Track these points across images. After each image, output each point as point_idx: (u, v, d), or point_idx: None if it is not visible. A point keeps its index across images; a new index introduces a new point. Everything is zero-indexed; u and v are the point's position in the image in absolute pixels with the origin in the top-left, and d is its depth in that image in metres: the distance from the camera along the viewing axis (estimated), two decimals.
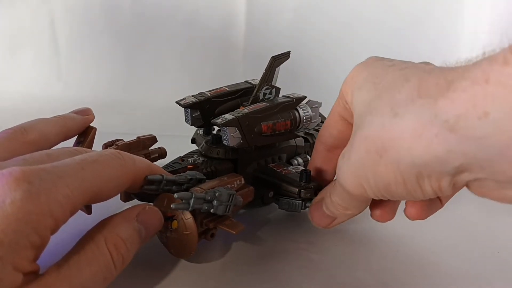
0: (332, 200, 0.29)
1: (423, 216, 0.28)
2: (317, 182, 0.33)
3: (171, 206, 0.26)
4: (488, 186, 0.21)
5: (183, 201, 0.26)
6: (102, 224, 0.24)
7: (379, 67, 0.25)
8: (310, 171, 0.33)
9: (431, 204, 0.28)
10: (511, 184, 0.20)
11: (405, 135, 0.21)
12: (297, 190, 0.32)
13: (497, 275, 0.32)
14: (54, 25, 0.76)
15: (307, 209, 0.33)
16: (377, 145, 0.22)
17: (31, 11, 0.76)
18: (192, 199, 0.26)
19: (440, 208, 0.29)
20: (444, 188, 0.22)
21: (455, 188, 0.22)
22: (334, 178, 0.32)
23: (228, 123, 0.31)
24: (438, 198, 0.28)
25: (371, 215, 0.30)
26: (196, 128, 0.40)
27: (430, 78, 0.21)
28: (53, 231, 0.21)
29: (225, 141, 0.32)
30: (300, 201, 0.33)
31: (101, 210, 0.28)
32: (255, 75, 0.39)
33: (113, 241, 0.23)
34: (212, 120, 0.32)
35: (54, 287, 0.21)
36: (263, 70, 0.35)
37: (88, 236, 0.23)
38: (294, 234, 0.36)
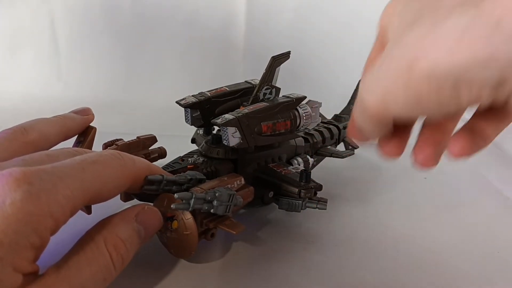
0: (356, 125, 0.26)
1: (468, 152, 0.25)
2: (317, 182, 0.33)
3: (172, 206, 0.26)
4: None
5: (183, 201, 0.26)
6: (102, 225, 0.24)
7: None
8: (310, 171, 0.33)
9: (477, 138, 0.25)
10: None
11: (446, 39, 0.19)
12: (297, 190, 0.32)
13: (497, 275, 0.32)
14: (54, 25, 0.76)
15: (307, 209, 0.33)
16: (415, 52, 0.20)
17: (31, 11, 0.75)
18: (193, 199, 0.26)
19: (485, 145, 0.26)
20: (483, 98, 0.20)
21: (495, 101, 0.20)
22: None
23: (228, 123, 0.31)
24: (483, 134, 0.25)
25: (378, 149, 0.27)
26: (196, 128, 0.40)
27: None
28: (53, 231, 0.21)
29: (225, 141, 0.32)
30: (300, 201, 0.33)
31: (101, 210, 0.28)
32: (255, 75, 0.39)
33: (113, 242, 0.23)
34: (212, 120, 0.32)
35: (53, 287, 0.21)
36: (263, 70, 0.35)
37: (88, 237, 0.23)
38: (294, 234, 0.36)
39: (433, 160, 0.26)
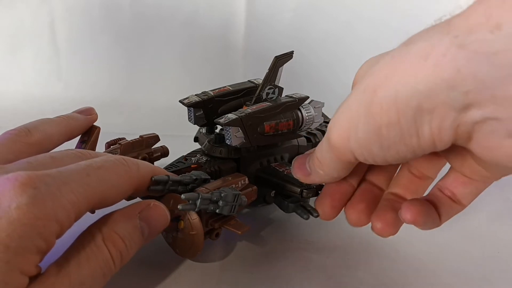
0: (313, 153, 0.27)
1: (419, 221, 0.26)
2: None
3: (178, 207, 0.26)
4: (498, 133, 0.18)
5: (190, 202, 0.27)
6: (102, 221, 0.24)
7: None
8: None
9: (429, 210, 0.27)
10: None
11: (411, 59, 0.19)
12: (299, 190, 0.32)
13: (497, 275, 0.32)
14: (54, 25, 0.76)
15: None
16: (379, 78, 0.20)
17: (31, 11, 0.75)
18: (199, 200, 0.27)
19: (438, 223, 0.27)
20: (445, 130, 0.19)
21: (458, 135, 0.19)
22: None
23: (231, 123, 0.32)
24: (437, 211, 0.27)
25: (371, 227, 0.28)
26: (198, 127, 0.41)
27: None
28: (58, 236, 0.21)
29: (228, 140, 0.32)
30: (292, 204, 0.32)
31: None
32: (255, 75, 0.39)
33: (111, 239, 0.23)
34: (215, 120, 0.33)
35: (55, 286, 0.21)
36: (263, 70, 0.35)
37: (87, 233, 0.23)
38: (294, 234, 0.36)
39: (392, 229, 0.27)
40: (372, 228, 0.28)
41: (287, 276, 0.31)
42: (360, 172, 0.30)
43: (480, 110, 0.18)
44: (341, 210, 0.29)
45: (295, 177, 0.29)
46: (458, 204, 0.27)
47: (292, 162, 0.29)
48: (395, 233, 0.28)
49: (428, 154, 0.26)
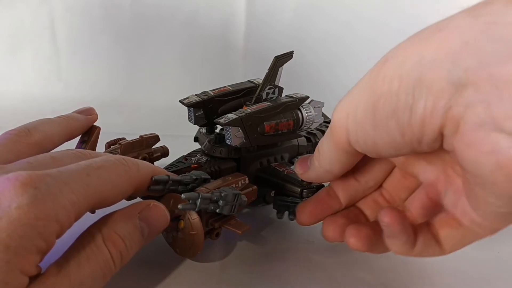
0: (316, 150, 0.27)
1: (362, 246, 0.26)
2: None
3: (178, 207, 0.26)
4: (484, 125, 0.17)
5: (190, 201, 0.27)
6: (102, 221, 0.24)
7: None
8: None
9: (375, 239, 0.26)
10: (508, 120, 0.17)
11: (427, 31, 0.19)
12: (299, 189, 0.32)
13: (497, 275, 0.32)
14: (54, 25, 0.76)
15: None
16: (393, 50, 0.20)
17: (31, 11, 0.75)
18: (199, 200, 0.27)
19: (384, 250, 0.26)
20: (437, 111, 0.19)
21: (447, 121, 0.19)
22: None
23: (231, 123, 0.32)
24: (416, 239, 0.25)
25: (346, 241, 0.27)
26: (198, 127, 0.41)
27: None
28: (58, 235, 0.21)
29: (228, 140, 0.32)
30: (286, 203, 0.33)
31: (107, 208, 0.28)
32: (255, 75, 0.40)
33: (111, 238, 0.23)
34: (216, 120, 0.33)
35: (55, 286, 0.21)
36: (263, 70, 0.35)
37: (87, 233, 0.23)
38: (294, 234, 0.36)
39: (366, 244, 0.26)
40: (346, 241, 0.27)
41: (287, 276, 0.31)
42: (352, 199, 0.30)
43: (474, 92, 0.17)
44: (319, 220, 0.29)
45: (295, 171, 0.29)
46: (438, 245, 0.25)
47: (297, 160, 0.30)
48: (366, 250, 0.27)
49: (405, 179, 0.28)
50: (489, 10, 0.17)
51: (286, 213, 0.34)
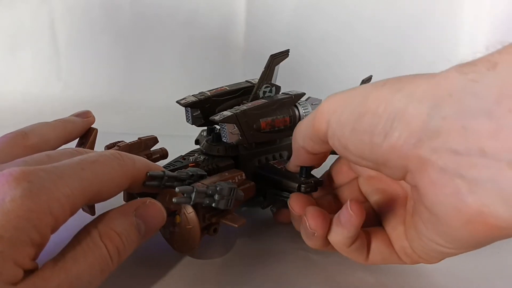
0: (296, 127, 0.29)
1: (318, 227, 0.27)
2: (317, 177, 0.33)
3: (173, 200, 0.26)
4: (449, 171, 0.19)
5: (185, 195, 0.26)
6: (99, 219, 0.24)
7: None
8: (310, 167, 0.33)
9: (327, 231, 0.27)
10: (471, 169, 0.18)
11: (424, 75, 0.21)
12: (297, 185, 0.32)
13: (497, 275, 0.32)
14: (54, 25, 0.76)
15: None
16: (395, 79, 0.22)
17: (31, 11, 0.76)
18: (194, 193, 0.26)
19: (325, 246, 0.28)
20: (407, 145, 0.20)
21: (414, 159, 0.20)
22: None
23: (227, 120, 0.32)
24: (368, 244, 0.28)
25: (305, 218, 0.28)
26: (200, 130, 0.41)
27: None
28: (53, 229, 0.21)
29: (224, 137, 0.32)
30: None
31: (104, 207, 0.28)
32: (255, 75, 0.39)
33: (107, 235, 0.23)
34: (211, 117, 0.33)
35: (51, 278, 0.21)
36: (263, 70, 0.35)
37: (84, 231, 0.23)
38: (294, 233, 0.36)
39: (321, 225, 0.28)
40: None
41: (286, 276, 0.31)
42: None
43: (445, 139, 0.19)
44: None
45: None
46: (365, 253, 0.27)
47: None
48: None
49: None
50: (474, 69, 0.19)
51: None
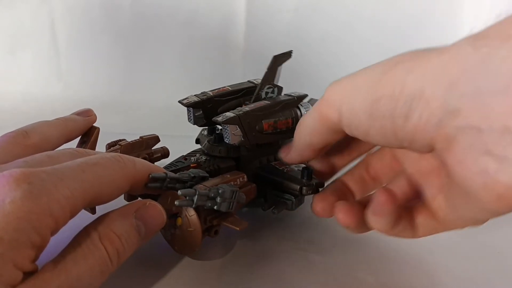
0: (297, 125, 0.29)
1: (351, 222, 0.27)
2: (318, 179, 0.33)
3: (175, 203, 0.26)
4: (475, 147, 0.18)
5: (187, 198, 0.26)
6: (99, 220, 0.24)
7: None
8: (312, 169, 0.33)
9: (362, 218, 0.27)
10: (497, 146, 0.18)
11: (436, 50, 0.20)
12: (299, 187, 0.32)
13: (497, 275, 0.32)
14: (54, 25, 0.76)
15: (307, 209, 0.33)
16: (406, 55, 0.21)
17: (31, 11, 0.76)
18: (196, 196, 0.26)
19: (365, 231, 0.28)
20: (430, 126, 0.20)
21: (439, 137, 0.20)
22: None
23: (229, 121, 0.31)
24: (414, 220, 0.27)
25: (312, 208, 0.29)
26: (200, 129, 0.41)
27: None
28: (53, 231, 0.21)
29: (226, 139, 0.32)
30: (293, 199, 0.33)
31: (104, 207, 0.28)
32: (255, 75, 0.39)
33: (107, 236, 0.23)
34: (213, 118, 0.33)
35: (50, 280, 0.21)
36: (263, 70, 0.35)
37: (84, 232, 0.24)
38: (294, 234, 0.36)
39: (329, 211, 0.28)
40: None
41: (287, 276, 0.31)
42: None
43: (466, 118, 0.18)
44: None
45: (279, 156, 0.30)
46: (412, 229, 0.27)
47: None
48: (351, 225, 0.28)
49: (392, 161, 0.30)
50: (487, 42, 0.18)
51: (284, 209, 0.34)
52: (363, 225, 0.27)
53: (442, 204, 0.25)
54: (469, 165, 0.19)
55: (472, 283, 0.31)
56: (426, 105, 0.20)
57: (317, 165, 0.33)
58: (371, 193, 0.29)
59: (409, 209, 0.27)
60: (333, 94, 0.25)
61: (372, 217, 0.26)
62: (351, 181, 0.31)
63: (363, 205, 0.27)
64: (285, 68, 0.36)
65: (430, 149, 0.21)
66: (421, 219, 0.27)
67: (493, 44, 0.18)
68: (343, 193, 0.31)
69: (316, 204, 0.29)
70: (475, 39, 0.19)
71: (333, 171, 0.33)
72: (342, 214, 0.27)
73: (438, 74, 0.19)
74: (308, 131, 0.27)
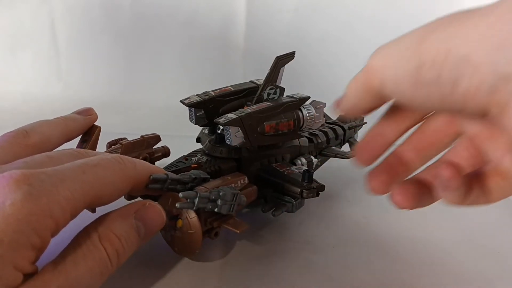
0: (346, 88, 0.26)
1: (410, 204, 0.25)
2: (319, 182, 0.33)
3: (176, 205, 0.26)
4: None
5: (188, 200, 0.27)
6: (98, 221, 0.24)
7: None
8: (312, 172, 0.33)
9: (422, 194, 0.26)
10: None
11: (481, 10, 0.19)
12: (299, 190, 0.32)
13: (497, 275, 0.32)
14: (54, 25, 0.76)
15: (307, 209, 0.33)
16: (446, 18, 0.20)
17: (31, 11, 0.76)
18: (197, 199, 0.27)
19: (431, 203, 0.26)
20: (481, 92, 0.18)
21: (493, 101, 0.19)
22: None
23: (231, 123, 0.31)
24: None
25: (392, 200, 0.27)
26: (201, 128, 0.41)
27: None
28: (54, 233, 0.21)
29: (228, 140, 0.32)
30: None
31: (104, 208, 0.28)
32: (255, 75, 0.39)
33: (107, 237, 0.23)
34: (215, 120, 0.32)
35: (50, 281, 0.21)
36: (263, 70, 0.35)
37: (84, 233, 0.23)
38: (294, 234, 0.36)
39: (385, 187, 0.26)
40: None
41: (287, 276, 0.31)
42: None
43: None
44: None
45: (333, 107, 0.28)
46: (485, 195, 0.25)
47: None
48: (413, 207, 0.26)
49: (448, 125, 0.27)
50: None
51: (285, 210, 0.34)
52: (420, 203, 0.26)
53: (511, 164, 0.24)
54: None
55: (472, 283, 0.31)
56: (475, 71, 0.18)
57: (369, 138, 0.29)
58: (429, 164, 0.27)
59: (478, 175, 0.25)
60: (375, 62, 0.23)
61: (442, 193, 0.24)
62: (406, 151, 0.29)
63: (419, 182, 0.26)
64: (285, 69, 0.36)
65: (483, 115, 0.20)
66: (493, 183, 0.25)
67: None
68: (396, 167, 0.28)
69: (370, 182, 0.27)
70: None
71: (387, 143, 0.29)
72: (400, 197, 0.25)
73: (483, 39, 0.18)
74: (354, 96, 0.26)
